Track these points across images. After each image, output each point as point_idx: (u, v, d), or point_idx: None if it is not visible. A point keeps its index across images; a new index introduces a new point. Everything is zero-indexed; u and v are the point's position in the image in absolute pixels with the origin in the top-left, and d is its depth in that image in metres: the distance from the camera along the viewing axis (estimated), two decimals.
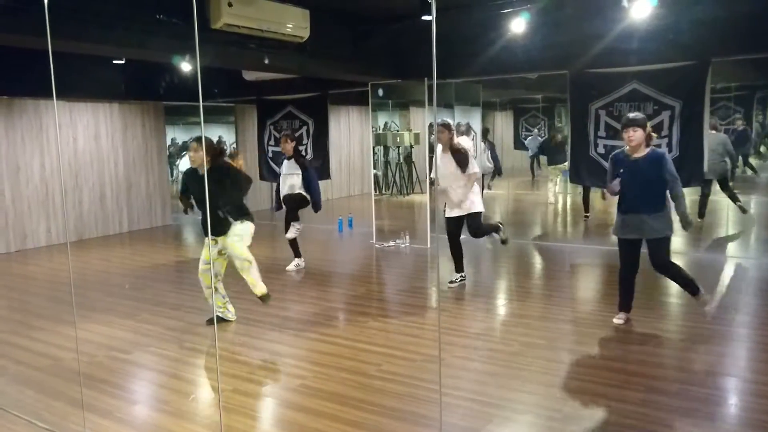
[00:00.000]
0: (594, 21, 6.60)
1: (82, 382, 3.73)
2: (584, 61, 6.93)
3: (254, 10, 5.54)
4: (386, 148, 13.48)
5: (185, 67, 7.35)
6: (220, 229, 4.80)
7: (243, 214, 4.88)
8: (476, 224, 5.76)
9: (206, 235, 4.92)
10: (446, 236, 6.01)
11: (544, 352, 4.24)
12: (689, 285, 4.58)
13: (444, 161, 5.65)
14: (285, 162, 6.82)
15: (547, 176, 14.00)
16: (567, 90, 7.34)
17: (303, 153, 6.98)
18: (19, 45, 5.34)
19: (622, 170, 4.43)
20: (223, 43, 5.93)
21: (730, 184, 8.73)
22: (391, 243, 8.31)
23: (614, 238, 4.73)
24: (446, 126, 5.71)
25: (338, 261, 6.87)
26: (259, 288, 4.82)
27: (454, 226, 5.85)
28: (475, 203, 5.72)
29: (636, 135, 4.33)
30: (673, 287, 5.86)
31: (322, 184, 7.15)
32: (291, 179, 6.74)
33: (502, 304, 5.49)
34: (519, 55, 7.19)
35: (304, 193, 6.70)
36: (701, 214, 8.81)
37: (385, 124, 14.25)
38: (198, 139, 4.88)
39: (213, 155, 4.72)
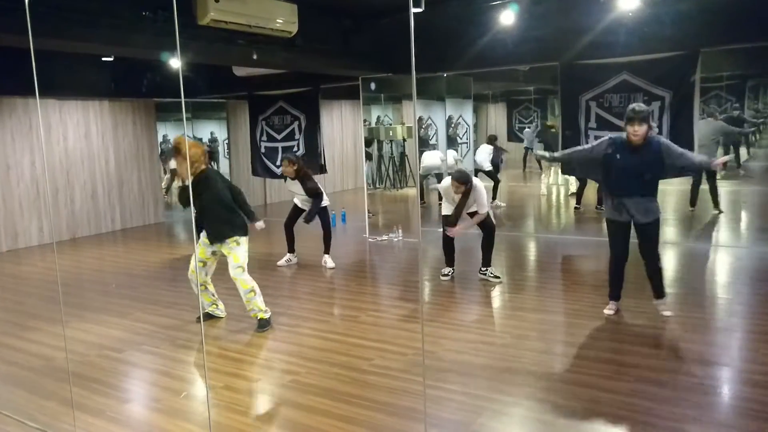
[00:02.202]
0: (583, 12, 6.61)
1: (71, 381, 3.72)
2: (574, 52, 6.93)
3: (241, 5, 5.51)
4: (379, 142, 13.44)
5: (174, 63, 7.31)
6: (217, 236, 4.71)
7: (237, 226, 4.71)
8: (490, 224, 5.82)
9: (200, 237, 4.82)
10: (440, 230, 6.03)
11: (536, 344, 4.26)
12: (660, 288, 4.64)
13: (462, 201, 5.71)
14: (290, 181, 6.61)
15: (538, 169, 14.03)
16: (558, 82, 7.34)
17: (303, 169, 6.63)
18: (4, 44, 5.30)
19: (618, 156, 4.37)
20: (211, 39, 5.91)
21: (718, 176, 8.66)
22: (384, 237, 8.32)
23: (606, 229, 4.75)
24: (462, 182, 5.58)
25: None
26: (262, 314, 4.75)
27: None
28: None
29: (641, 130, 4.25)
30: (665, 277, 5.89)
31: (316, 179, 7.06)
32: (303, 197, 6.68)
33: (494, 297, 5.51)
34: (509, 47, 7.18)
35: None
36: (693, 203, 8.84)
37: (378, 117, 14.21)
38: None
39: (198, 162, 4.56)
